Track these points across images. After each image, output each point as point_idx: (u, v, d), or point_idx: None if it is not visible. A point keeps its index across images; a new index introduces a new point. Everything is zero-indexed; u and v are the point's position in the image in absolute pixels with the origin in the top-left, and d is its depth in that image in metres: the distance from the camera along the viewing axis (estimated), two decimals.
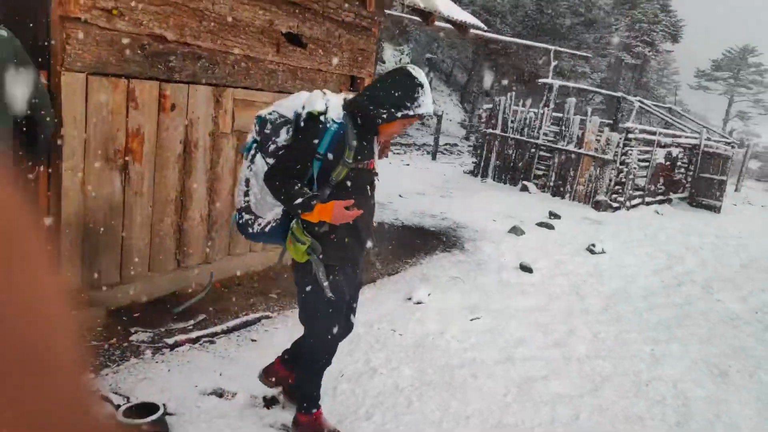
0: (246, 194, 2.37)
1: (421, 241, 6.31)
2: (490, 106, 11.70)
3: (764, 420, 3.33)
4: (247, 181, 2.36)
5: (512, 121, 11.07)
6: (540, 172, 10.63)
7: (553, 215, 8.32)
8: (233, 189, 4.26)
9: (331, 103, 2.25)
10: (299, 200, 2.13)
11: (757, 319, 5.15)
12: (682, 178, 11.97)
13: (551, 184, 10.43)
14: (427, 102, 2.19)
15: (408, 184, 9.96)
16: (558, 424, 3.01)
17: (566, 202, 10.04)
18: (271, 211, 2.36)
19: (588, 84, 23.07)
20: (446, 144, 17.99)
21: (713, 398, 3.50)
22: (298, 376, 2.67)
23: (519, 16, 21.79)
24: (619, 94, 12.36)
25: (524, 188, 10.51)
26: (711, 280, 6.28)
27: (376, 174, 2.43)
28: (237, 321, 3.65)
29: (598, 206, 9.64)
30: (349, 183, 2.25)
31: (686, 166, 12.08)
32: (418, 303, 4.33)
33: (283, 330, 3.63)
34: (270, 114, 2.31)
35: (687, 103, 39.40)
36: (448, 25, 6.10)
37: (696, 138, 12.12)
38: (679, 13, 28.47)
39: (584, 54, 16.35)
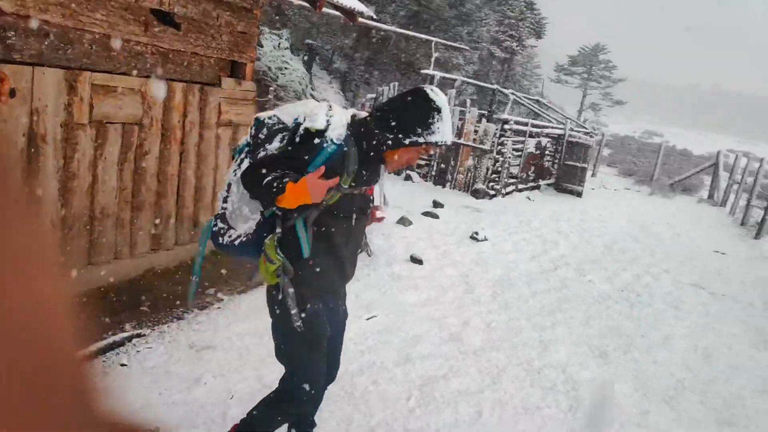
0: (225, 200, 2.08)
1: None
2: (374, 95, 11.64)
3: (642, 396, 3.57)
4: (229, 186, 2.07)
5: None
6: (423, 162, 10.80)
7: (437, 204, 8.47)
8: (92, 187, 3.72)
9: (333, 121, 1.92)
10: (269, 179, 1.78)
11: (623, 298, 5.59)
12: (549, 165, 12.84)
13: (433, 173, 10.65)
14: (443, 130, 1.88)
15: None
16: (462, 424, 2.97)
17: (447, 190, 10.30)
18: (244, 224, 2.03)
19: (462, 75, 24.01)
20: None
21: (597, 380, 3.68)
22: (247, 414, 2.21)
23: (398, 6, 22.00)
24: (495, 86, 12.94)
25: (408, 177, 10.62)
26: (582, 262, 6.74)
27: (372, 200, 2.16)
28: (102, 343, 3.17)
29: (476, 194, 10.00)
30: (339, 208, 1.96)
31: (553, 154, 12.97)
32: None
33: (160, 349, 3.22)
34: (269, 118, 1.98)
35: (548, 95, 42.71)
36: (336, 12, 5.85)
37: (561, 128, 13.05)
38: (542, 11, 30.58)
39: (462, 47, 16.88)
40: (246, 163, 2.01)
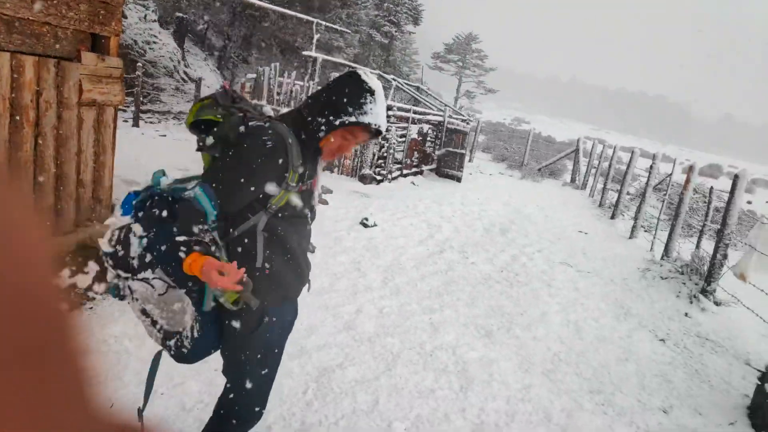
0: (154, 324, 1.82)
1: None
2: (254, 75, 11.19)
3: (524, 372, 3.79)
4: (143, 311, 1.80)
5: (278, 93, 10.78)
6: None
7: (326, 190, 8.37)
8: None
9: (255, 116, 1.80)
10: (183, 237, 1.58)
11: (503, 278, 5.92)
12: (431, 151, 13.25)
13: None
14: (376, 111, 1.73)
15: (168, 159, 8.98)
16: (360, 413, 2.95)
17: (335, 176, 10.24)
18: (185, 314, 1.77)
19: (342, 58, 23.94)
20: None
21: (485, 359, 3.86)
22: None
23: None
24: (377, 71, 13.00)
25: None
26: (465, 245, 7.04)
27: (320, 194, 1.96)
28: None
29: (364, 180, 10.04)
30: (289, 209, 1.77)
31: (434, 140, 13.39)
32: None
33: None
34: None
35: (427, 82, 44.17)
36: None
37: (441, 115, 13.49)
38: None
39: (343, 29, 16.78)
40: (137, 284, 1.78)
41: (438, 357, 3.75)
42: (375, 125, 1.74)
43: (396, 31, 29.68)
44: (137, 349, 3.13)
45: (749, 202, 20.29)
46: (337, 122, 1.72)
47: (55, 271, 0.26)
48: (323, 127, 1.74)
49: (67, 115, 4.12)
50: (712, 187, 7.49)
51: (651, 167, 9.46)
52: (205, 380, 2.95)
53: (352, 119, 1.72)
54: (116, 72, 4.50)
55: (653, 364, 4.37)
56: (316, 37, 10.92)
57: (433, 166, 13.46)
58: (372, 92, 1.74)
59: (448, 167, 13.39)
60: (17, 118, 3.70)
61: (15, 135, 3.70)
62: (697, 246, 7.22)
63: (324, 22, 12.54)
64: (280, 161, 1.70)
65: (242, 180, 1.66)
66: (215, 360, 3.13)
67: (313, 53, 9.83)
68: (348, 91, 1.73)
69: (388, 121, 10.09)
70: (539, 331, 4.56)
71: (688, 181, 7.45)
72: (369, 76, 1.78)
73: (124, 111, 13.13)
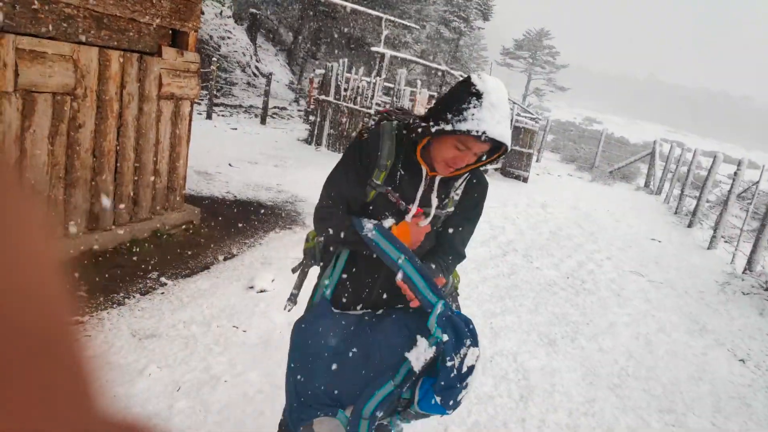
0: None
1: (258, 218, 5.83)
2: (323, 71, 11.34)
3: (588, 384, 3.64)
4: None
5: (345, 89, 10.87)
6: None
7: None
8: (20, 163, 3.38)
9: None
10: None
11: (569, 285, 5.71)
12: None
13: None
14: (479, 117, 1.49)
15: (237, 151, 9.26)
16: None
17: None
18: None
19: (410, 54, 23.89)
20: (275, 107, 17.24)
21: (547, 368, 3.73)
22: None
23: None
24: (444, 67, 12.87)
25: None
26: (529, 248, 6.85)
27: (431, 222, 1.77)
28: None
29: None
30: (374, 209, 1.73)
31: None
32: (262, 291, 3.94)
33: (99, 338, 3.00)
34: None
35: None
36: None
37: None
38: None
39: (412, 24, 16.70)
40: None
41: (498, 363, 3.66)
42: (477, 132, 1.48)
43: (465, 27, 29.29)
44: (203, 336, 3.24)
45: None
46: (433, 129, 1.56)
47: (59, 273, 0.25)
48: (420, 130, 1.62)
49: (147, 107, 4.31)
50: None
51: (735, 173, 8.85)
52: (267, 370, 3.01)
53: (449, 127, 1.52)
54: (194, 66, 4.66)
55: (730, 386, 4.09)
56: (384, 33, 10.92)
57: (498, 165, 13.19)
58: (478, 95, 1.52)
59: (514, 167, 13.08)
60: (103, 109, 3.90)
61: (100, 126, 3.91)
62: None
63: (392, 18, 12.53)
64: (369, 152, 1.67)
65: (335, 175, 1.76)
66: (276, 350, 3.19)
67: (381, 49, 9.85)
68: (452, 96, 1.59)
69: None
70: (606, 342, 4.37)
71: None
72: (481, 79, 1.58)
73: (199, 104, 13.67)
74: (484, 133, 1.47)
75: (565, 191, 12.93)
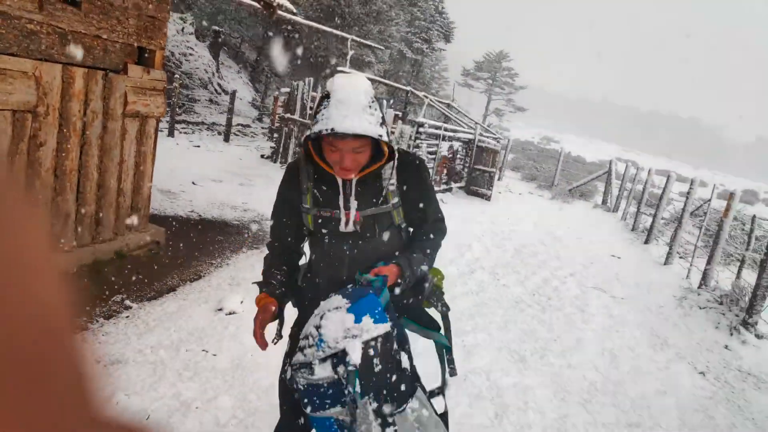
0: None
1: (225, 237, 5.73)
2: (288, 89, 11.33)
3: (560, 401, 3.69)
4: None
5: (311, 108, 10.87)
6: None
7: None
8: None
9: None
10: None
11: (535, 301, 5.80)
12: (461, 169, 13.18)
13: None
14: (326, 115, 1.53)
15: (201, 168, 9.11)
16: None
17: None
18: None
19: (373, 73, 24.12)
20: (239, 125, 17.07)
21: (519, 385, 3.76)
22: None
23: (309, 2, 21.61)
24: (408, 88, 13.05)
25: None
26: (495, 266, 6.94)
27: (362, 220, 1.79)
28: None
29: None
30: (317, 230, 1.80)
31: (463, 158, 13.33)
32: (231, 314, 3.85)
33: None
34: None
35: (456, 99, 44.26)
36: (253, 3, 5.55)
37: (472, 133, 13.44)
38: (451, 16, 31.44)
39: (378, 46, 16.91)
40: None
41: (472, 381, 3.67)
42: (326, 130, 1.51)
43: (427, 48, 29.82)
44: (172, 360, 3.14)
45: None
46: (308, 132, 1.61)
47: (58, 282, 0.25)
48: (301, 141, 1.75)
49: (111, 125, 4.20)
50: (755, 216, 7.26)
51: (689, 192, 9.23)
52: (239, 395, 2.93)
53: (310, 132, 1.58)
54: (159, 84, 4.59)
55: (693, 398, 4.21)
56: (350, 53, 11.01)
57: (462, 184, 13.38)
58: (328, 95, 1.58)
59: (478, 185, 13.29)
60: (65, 127, 3.78)
61: (62, 144, 3.79)
62: (738, 275, 6.98)
63: (358, 39, 12.66)
64: (292, 184, 1.78)
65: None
66: (248, 374, 3.12)
67: (347, 69, 9.92)
68: (317, 103, 1.67)
69: (418, 138, 10.07)
70: (574, 358, 4.44)
71: (728, 208, 7.24)
72: (337, 77, 1.61)
73: (161, 121, 13.42)
74: (332, 129, 1.50)
75: (527, 209, 13.20)
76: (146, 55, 4.49)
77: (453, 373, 2.03)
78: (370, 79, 12.83)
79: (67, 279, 0.26)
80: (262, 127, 18.40)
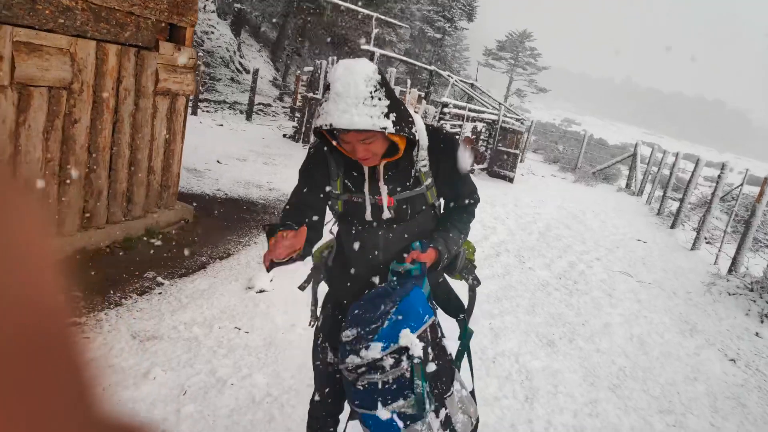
0: None
1: (251, 216, 5.76)
2: (311, 69, 11.26)
3: (589, 385, 3.66)
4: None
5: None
6: None
7: None
8: (14, 159, 3.28)
9: None
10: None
11: (562, 285, 5.75)
12: (484, 150, 13.04)
13: None
14: (326, 109, 1.45)
15: (224, 147, 9.15)
16: None
17: None
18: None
19: (394, 53, 23.88)
20: (260, 104, 17.07)
21: (548, 369, 3.75)
22: None
23: None
24: (432, 68, 12.89)
25: None
26: (521, 249, 6.88)
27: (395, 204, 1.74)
28: None
29: None
30: (348, 214, 1.77)
31: (486, 139, 13.18)
32: (261, 292, 3.88)
33: (98, 340, 2.91)
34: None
35: (477, 79, 43.66)
36: None
37: (495, 114, 13.26)
38: None
39: (402, 24, 16.68)
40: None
41: (501, 364, 3.66)
42: (326, 126, 1.44)
43: (449, 27, 29.37)
44: (206, 338, 3.17)
45: None
46: (313, 130, 1.57)
47: (54, 272, 0.25)
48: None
49: (143, 103, 4.22)
50: None
51: (719, 176, 9.02)
52: (272, 373, 2.96)
53: (314, 126, 1.52)
54: (191, 62, 4.58)
55: (724, 386, 4.16)
56: (375, 31, 10.88)
57: (485, 165, 13.25)
58: (328, 87, 1.48)
59: (501, 167, 13.15)
60: (99, 105, 3.80)
61: (96, 121, 3.81)
62: None
63: (383, 17, 12.50)
64: (320, 167, 1.72)
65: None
66: (281, 352, 3.15)
67: (371, 47, 9.84)
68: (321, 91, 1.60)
69: (442, 118, 9.95)
70: (603, 343, 4.40)
71: (762, 192, 7.06)
72: (335, 67, 1.50)
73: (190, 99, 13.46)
74: (330, 125, 1.43)
75: (550, 191, 13.05)
76: (177, 32, 4.47)
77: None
78: (396, 58, 12.67)
79: (62, 268, 0.26)
80: (283, 107, 18.37)
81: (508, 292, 5.17)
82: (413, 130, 1.58)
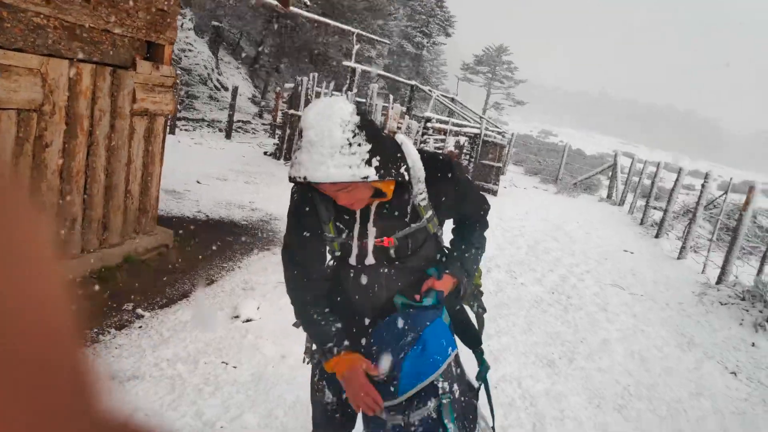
0: None
1: (234, 239, 5.55)
2: (291, 85, 11.13)
3: (595, 408, 3.52)
4: None
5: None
6: None
7: None
8: None
9: None
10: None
11: (556, 300, 5.64)
12: (467, 164, 13.00)
13: None
14: (299, 159, 1.30)
15: (204, 167, 8.92)
16: None
17: None
18: None
19: (375, 68, 23.91)
20: (239, 121, 16.86)
21: (552, 393, 3.60)
22: None
23: None
24: (413, 82, 12.85)
25: None
26: (510, 264, 6.77)
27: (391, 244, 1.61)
28: None
29: None
30: (341, 257, 1.66)
31: (469, 153, 13.15)
32: (248, 321, 3.67)
33: None
34: None
35: (455, 93, 43.98)
36: None
37: (478, 128, 13.26)
38: (450, 10, 31.19)
39: (383, 40, 16.69)
40: None
41: (503, 390, 3.50)
42: (299, 178, 1.29)
43: (427, 42, 29.59)
44: (190, 375, 2.96)
45: None
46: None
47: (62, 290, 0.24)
48: None
49: (119, 124, 4.01)
50: None
51: (703, 185, 9.07)
52: (264, 412, 2.76)
53: (289, 175, 1.36)
54: (169, 81, 4.39)
55: (729, 400, 4.06)
56: (356, 47, 10.79)
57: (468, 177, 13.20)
58: (301, 133, 1.32)
59: (484, 180, 13.11)
60: (72, 127, 3.59)
61: (69, 145, 3.60)
62: (759, 270, 6.82)
63: (364, 33, 12.44)
64: (309, 212, 1.57)
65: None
66: (272, 386, 2.95)
67: (352, 63, 9.72)
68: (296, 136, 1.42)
69: (426, 133, 9.87)
70: (603, 361, 4.28)
71: (748, 201, 7.08)
72: (306, 111, 1.34)
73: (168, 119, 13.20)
74: (304, 178, 1.28)
75: (533, 204, 13.03)
76: (155, 50, 4.29)
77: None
78: (377, 74, 12.61)
79: (73, 288, 0.25)
80: (263, 124, 18.18)
81: (502, 310, 5.03)
82: (402, 170, 1.43)
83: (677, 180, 10.59)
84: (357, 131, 1.31)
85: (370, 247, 1.56)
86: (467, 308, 1.95)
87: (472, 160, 13.18)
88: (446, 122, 11.18)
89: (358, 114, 1.34)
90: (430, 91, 12.37)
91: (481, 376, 1.79)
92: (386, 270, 1.60)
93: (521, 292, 5.68)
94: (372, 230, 1.54)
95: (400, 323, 1.47)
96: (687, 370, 4.48)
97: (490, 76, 47.42)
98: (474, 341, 1.83)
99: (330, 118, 1.28)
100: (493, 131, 14.35)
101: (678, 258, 9.14)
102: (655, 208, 12.51)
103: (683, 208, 12.45)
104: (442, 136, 11.07)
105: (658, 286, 7.08)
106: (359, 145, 1.30)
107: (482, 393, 1.82)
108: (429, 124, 10.06)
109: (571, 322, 5.04)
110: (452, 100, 15.22)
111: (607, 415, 3.44)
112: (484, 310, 1.98)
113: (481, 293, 2.02)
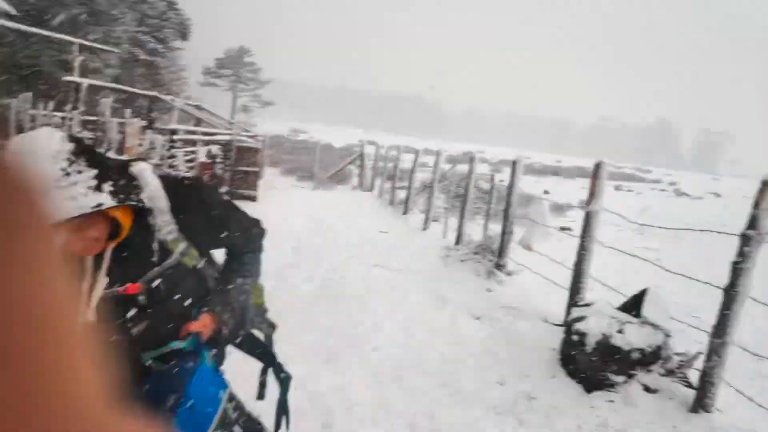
0: None
1: None
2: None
3: (378, 384, 3.86)
4: None
5: (32, 129, 9.25)
6: None
7: None
8: None
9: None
10: None
11: (327, 294, 5.89)
12: (222, 173, 12.70)
13: None
14: None
15: None
16: None
17: None
18: None
19: (104, 81, 21.55)
20: None
21: (336, 387, 3.83)
22: None
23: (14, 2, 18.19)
24: (153, 93, 12.02)
25: None
26: (280, 268, 6.80)
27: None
28: None
29: None
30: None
31: (223, 161, 12.86)
32: None
33: None
34: None
35: (201, 99, 42.28)
36: None
37: (230, 134, 13.04)
38: (186, 12, 29.74)
39: (111, 49, 15.09)
40: None
41: (292, 398, 3.58)
42: None
43: (162, 48, 27.76)
44: None
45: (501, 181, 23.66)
46: None
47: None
48: None
49: None
50: (492, 175, 8.60)
51: (436, 163, 10.45)
52: None
53: None
54: None
55: (478, 342, 4.83)
56: (79, 59, 9.55)
57: (226, 188, 12.92)
58: None
59: (242, 188, 12.97)
60: None
61: None
62: (485, 228, 8.18)
63: (88, 42, 11.11)
64: None
65: None
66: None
67: (76, 78, 8.60)
68: None
69: (173, 147, 9.36)
70: (377, 340, 4.69)
71: (471, 171, 8.41)
72: (4, 156, 1.22)
73: None
74: None
75: (295, 203, 13.40)
76: None
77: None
78: (109, 87, 11.37)
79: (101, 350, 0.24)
80: None
81: (279, 317, 5.07)
82: (141, 196, 1.33)
83: (415, 161, 12.00)
84: (73, 158, 1.17)
85: (93, 302, 1.36)
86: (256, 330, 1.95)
87: (228, 168, 12.94)
88: (194, 132, 10.76)
89: (72, 141, 1.21)
90: (172, 100, 11.71)
91: (283, 394, 1.81)
92: (139, 326, 1.46)
93: (294, 295, 5.83)
94: (103, 280, 1.37)
95: (160, 385, 1.39)
96: (444, 326, 5.18)
97: (235, 78, 46.84)
98: (268, 359, 1.84)
99: (33, 154, 1.11)
100: (246, 136, 14.27)
101: (424, 229, 10.42)
102: (400, 188, 13.97)
103: (422, 184, 14.14)
104: (193, 148, 10.63)
105: (412, 257, 7.98)
106: (79, 172, 1.17)
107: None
108: (176, 137, 9.56)
109: (344, 311, 5.37)
110: (198, 107, 14.65)
111: (386, 389, 3.80)
112: (274, 327, 1.99)
113: (266, 310, 2.02)
